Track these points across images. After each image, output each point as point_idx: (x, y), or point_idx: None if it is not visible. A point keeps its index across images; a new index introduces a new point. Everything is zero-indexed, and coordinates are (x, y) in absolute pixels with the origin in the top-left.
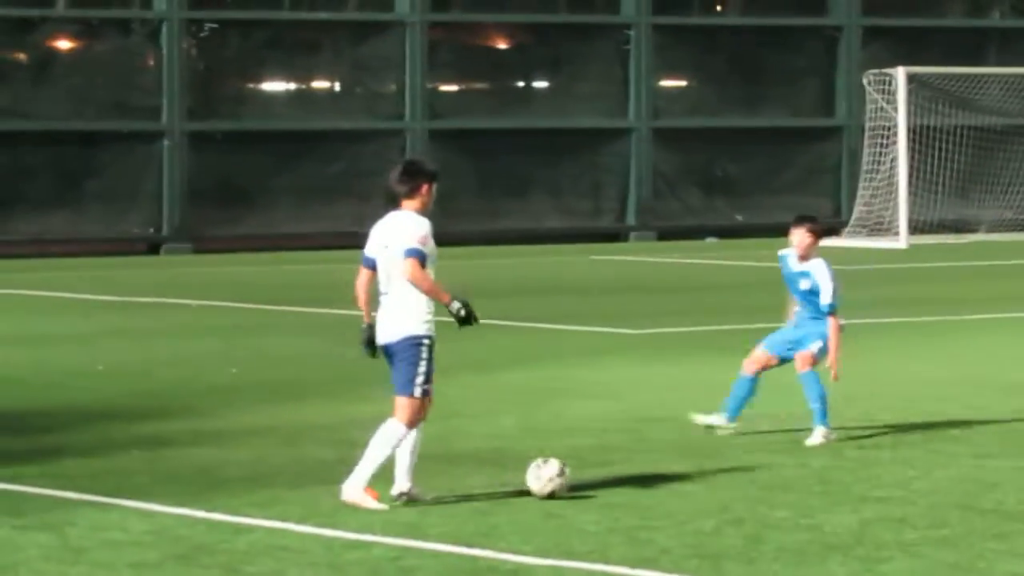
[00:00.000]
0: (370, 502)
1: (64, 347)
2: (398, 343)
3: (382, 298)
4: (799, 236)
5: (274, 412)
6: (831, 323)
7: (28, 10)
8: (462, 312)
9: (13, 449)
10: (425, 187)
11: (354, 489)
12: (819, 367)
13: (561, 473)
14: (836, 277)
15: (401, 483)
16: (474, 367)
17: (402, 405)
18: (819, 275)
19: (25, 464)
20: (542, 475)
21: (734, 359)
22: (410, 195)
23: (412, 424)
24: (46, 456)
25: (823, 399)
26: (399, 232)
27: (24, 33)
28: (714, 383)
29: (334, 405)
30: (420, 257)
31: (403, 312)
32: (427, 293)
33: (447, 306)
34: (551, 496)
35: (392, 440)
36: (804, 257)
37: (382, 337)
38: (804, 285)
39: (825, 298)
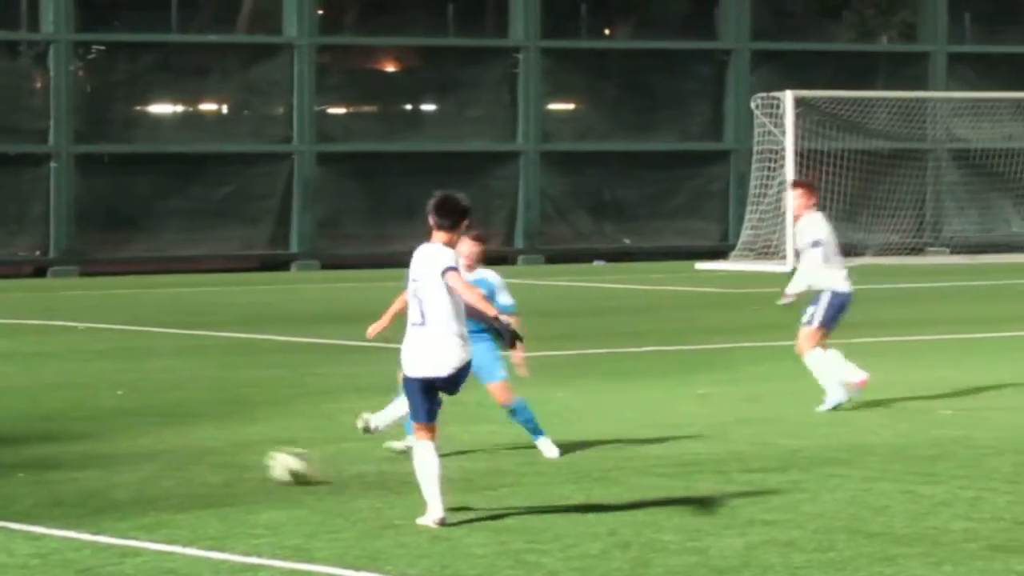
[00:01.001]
0: None
1: None
2: (462, 370)
3: (416, 329)
4: (467, 246)
5: (161, 435)
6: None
7: None
8: (510, 327)
9: None
10: (464, 223)
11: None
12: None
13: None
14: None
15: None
16: (363, 391)
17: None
18: (492, 279)
19: None
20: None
21: (622, 383)
22: (452, 229)
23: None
24: None
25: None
26: (429, 263)
27: None
28: (601, 406)
29: (222, 428)
30: (457, 270)
31: (452, 339)
32: (474, 304)
33: (492, 320)
34: (295, 480)
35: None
36: (471, 267)
37: (438, 369)
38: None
39: (506, 298)
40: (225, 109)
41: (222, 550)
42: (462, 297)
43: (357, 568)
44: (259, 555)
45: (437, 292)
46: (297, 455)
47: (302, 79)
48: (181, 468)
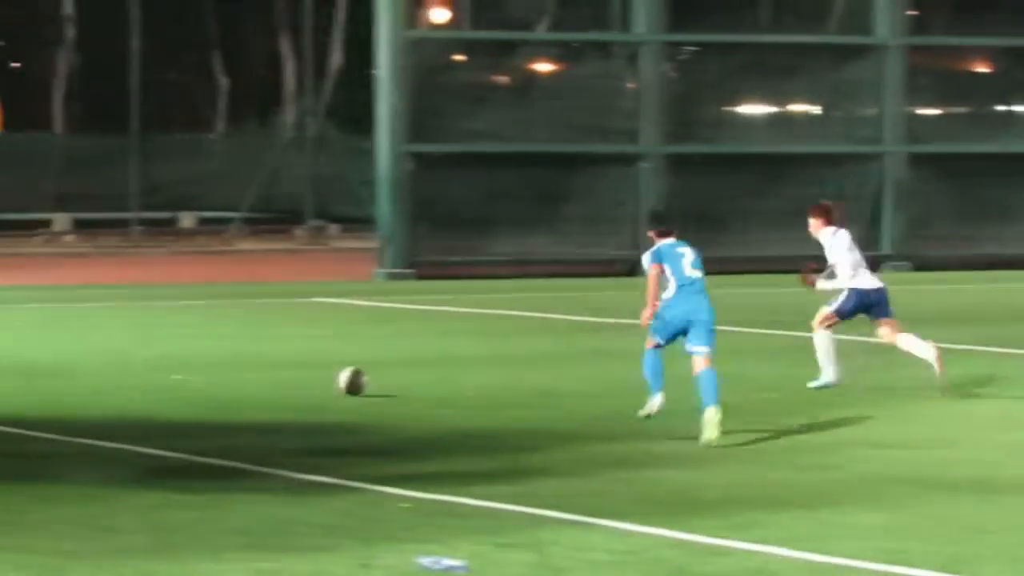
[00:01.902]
0: None
1: (543, 368)
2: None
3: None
4: None
5: (754, 435)
6: None
7: (509, 33)
8: None
9: (494, 469)
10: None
11: None
12: None
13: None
14: None
15: None
16: (953, 392)
17: None
18: None
19: (505, 483)
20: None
21: None
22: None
23: None
24: (523, 476)
25: None
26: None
27: (505, 56)
28: None
29: (813, 428)
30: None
31: None
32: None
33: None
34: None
35: None
36: None
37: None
38: None
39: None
40: (814, 110)
41: (813, 551)
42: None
43: (951, 572)
44: (852, 556)
45: None
46: (353, 371)
47: (893, 80)
48: (772, 468)
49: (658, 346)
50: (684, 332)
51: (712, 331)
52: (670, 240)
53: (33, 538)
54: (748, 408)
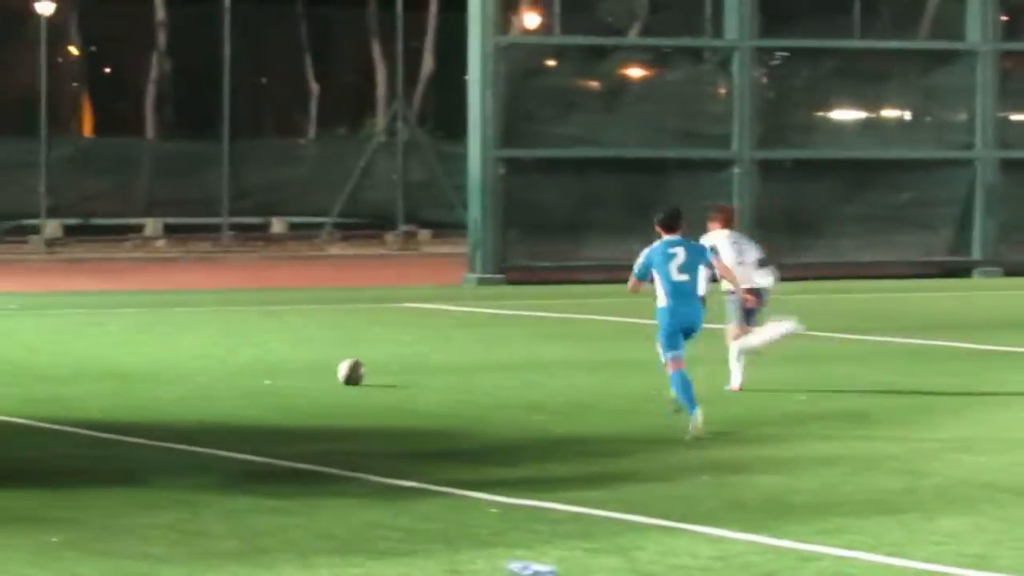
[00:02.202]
0: None
1: (633, 373)
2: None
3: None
4: None
5: (842, 440)
6: None
7: (601, 39)
8: None
9: (583, 474)
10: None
11: None
12: None
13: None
14: None
15: None
16: None
17: None
18: None
19: (594, 488)
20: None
21: None
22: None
23: None
24: (612, 481)
25: None
26: None
27: (597, 62)
28: None
29: (903, 434)
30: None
31: None
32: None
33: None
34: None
35: None
36: None
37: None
38: None
39: None
40: (905, 115)
41: (903, 556)
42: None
43: None
44: (940, 562)
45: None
46: (352, 363)
47: (984, 85)
48: (861, 473)
49: (679, 365)
50: (686, 336)
51: (695, 335)
52: (671, 236)
53: (124, 543)
54: (836, 414)
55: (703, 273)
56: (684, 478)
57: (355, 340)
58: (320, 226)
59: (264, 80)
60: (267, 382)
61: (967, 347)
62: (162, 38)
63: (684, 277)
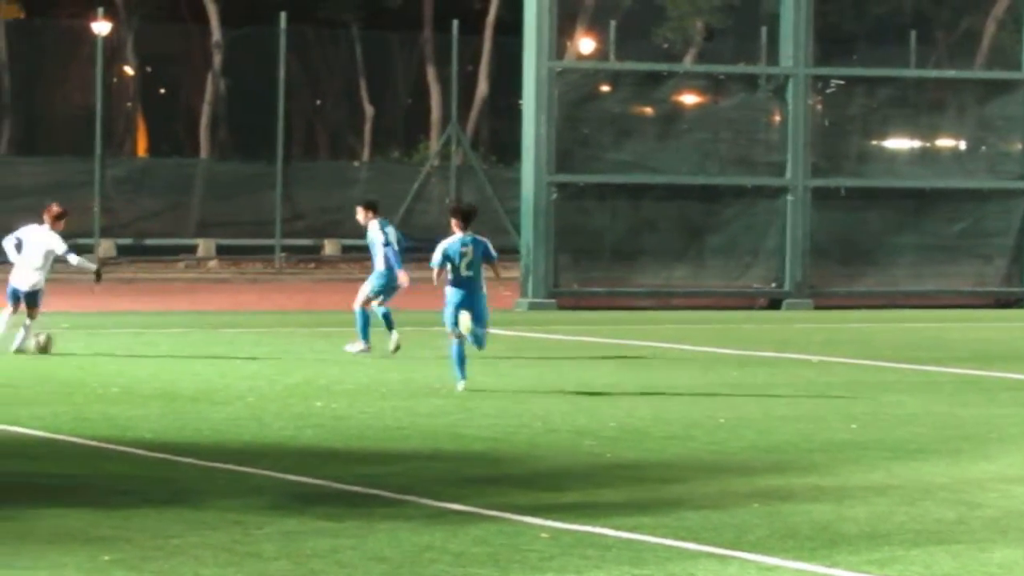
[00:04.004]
0: None
1: (684, 400)
2: None
3: None
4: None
5: (892, 470)
6: None
7: (656, 65)
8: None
9: (634, 500)
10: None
11: None
12: None
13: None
14: None
15: None
16: None
17: None
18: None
19: (645, 514)
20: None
21: None
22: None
23: None
24: (666, 507)
25: None
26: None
27: (651, 88)
28: None
29: (953, 465)
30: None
31: None
32: None
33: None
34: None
35: None
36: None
37: None
38: None
39: None
40: (960, 144)
41: None
42: None
43: None
44: None
45: None
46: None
47: None
48: (912, 503)
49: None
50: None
51: None
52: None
53: (176, 563)
54: (887, 443)
55: None
56: (734, 505)
57: (405, 362)
58: None
59: (319, 102)
60: (318, 404)
61: (1019, 378)
62: (217, 59)
63: (470, 272)
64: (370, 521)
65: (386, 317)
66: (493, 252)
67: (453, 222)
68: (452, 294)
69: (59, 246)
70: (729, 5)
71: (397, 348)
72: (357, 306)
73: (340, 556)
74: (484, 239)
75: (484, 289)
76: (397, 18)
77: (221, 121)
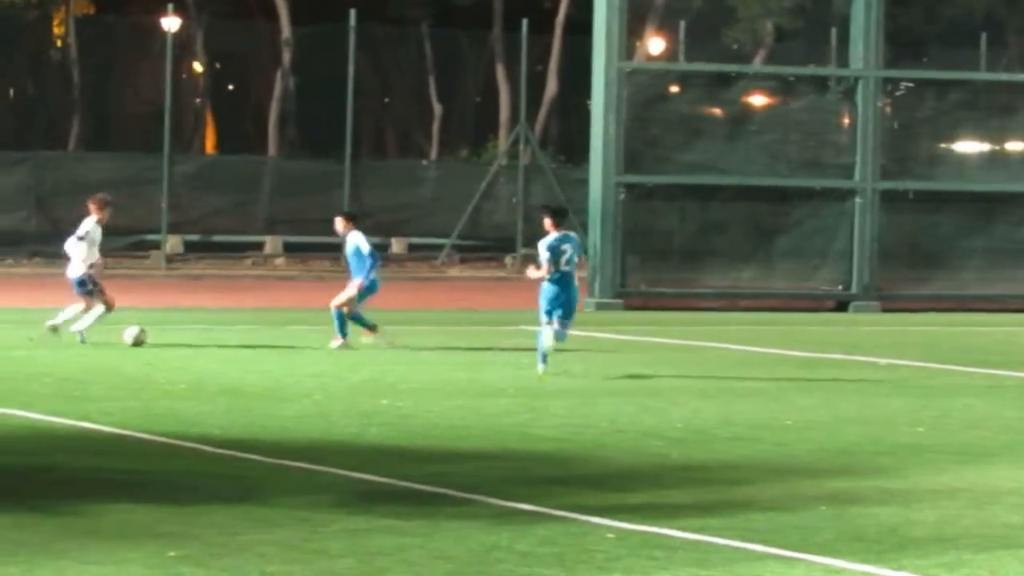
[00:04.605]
0: None
1: (751, 401)
2: None
3: None
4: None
5: (961, 473)
6: None
7: (726, 66)
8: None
9: (700, 501)
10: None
11: None
12: None
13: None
14: None
15: None
16: None
17: None
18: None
19: (712, 516)
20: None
21: None
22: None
23: None
24: (733, 508)
25: None
26: None
27: (721, 89)
28: None
29: (1022, 469)
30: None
31: None
32: None
33: None
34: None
35: None
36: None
37: None
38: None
39: None
40: None
41: None
42: None
43: None
44: None
45: None
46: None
47: None
48: (980, 507)
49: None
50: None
51: None
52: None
53: (242, 560)
54: (955, 446)
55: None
56: (801, 507)
57: (472, 362)
58: (440, 248)
59: (387, 100)
60: (384, 402)
61: None
62: (286, 56)
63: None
64: (436, 520)
65: (341, 319)
66: (583, 250)
67: (547, 221)
68: (550, 289)
69: (80, 230)
70: (800, 6)
71: (340, 348)
72: (334, 306)
73: (406, 555)
74: (575, 236)
75: (576, 282)
76: (467, 16)
77: (289, 118)
